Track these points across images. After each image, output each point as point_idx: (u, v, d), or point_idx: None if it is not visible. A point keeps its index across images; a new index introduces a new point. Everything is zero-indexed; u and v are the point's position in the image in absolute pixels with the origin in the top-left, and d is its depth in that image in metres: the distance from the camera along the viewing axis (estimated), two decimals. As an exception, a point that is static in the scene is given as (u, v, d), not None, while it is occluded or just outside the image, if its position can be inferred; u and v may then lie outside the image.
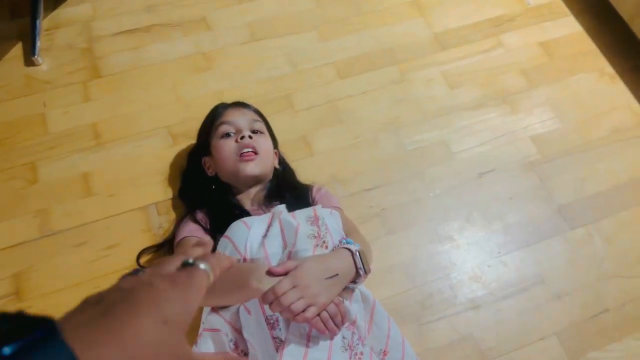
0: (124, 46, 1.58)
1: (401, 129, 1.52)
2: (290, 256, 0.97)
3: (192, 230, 1.14)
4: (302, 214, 1.06)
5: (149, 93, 1.51)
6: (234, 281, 0.93)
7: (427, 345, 1.24)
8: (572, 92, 1.62)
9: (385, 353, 1.03)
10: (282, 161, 1.35)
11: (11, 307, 1.21)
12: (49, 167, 1.38)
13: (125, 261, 1.26)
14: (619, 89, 1.64)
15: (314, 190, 1.26)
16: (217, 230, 1.12)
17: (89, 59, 1.55)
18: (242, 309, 0.95)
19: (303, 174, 1.39)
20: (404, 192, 1.42)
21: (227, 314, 0.97)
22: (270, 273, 0.91)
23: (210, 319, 0.99)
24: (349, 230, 1.15)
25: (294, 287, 0.89)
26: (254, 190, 1.21)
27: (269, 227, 1.04)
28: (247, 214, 1.15)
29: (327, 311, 0.92)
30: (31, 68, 1.53)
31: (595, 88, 1.63)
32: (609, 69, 1.67)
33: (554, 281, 1.33)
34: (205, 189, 1.26)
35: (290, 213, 1.07)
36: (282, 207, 1.12)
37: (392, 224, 1.37)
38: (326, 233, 1.01)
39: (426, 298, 1.29)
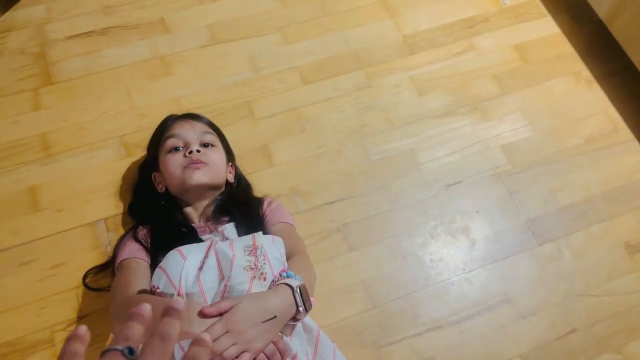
0: (78, 51, 1.51)
1: (367, 137, 1.46)
2: (225, 290, 0.91)
3: (133, 251, 1.09)
4: (240, 242, 1.00)
5: (103, 101, 1.44)
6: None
7: (386, 368, 1.19)
8: (546, 98, 1.55)
9: None
10: (237, 175, 1.29)
11: (-50, 331, 1.16)
12: (-5, 181, 1.32)
13: (71, 281, 1.21)
14: (596, 94, 1.57)
15: (265, 204, 1.21)
16: (159, 249, 1.06)
17: (41, 65, 1.48)
18: (176, 346, 0.89)
19: (262, 186, 1.33)
20: (367, 206, 1.37)
21: None
22: (203, 315, 0.86)
23: None
24: (295, 251, 1.09)
25: (227, 332, 0.84)
26: (202, 205, 1.16)
27: (205, 258, 0.97)
28: (192, 230, 1.10)
29: (263, 352, 0.86)
30: (-21, 75, 1.46)
31: (571, 93, 1.57)
32: (585, 72, 1.60)
33: (520, 300, 1.28)
34: (155, 204, 1.20)
35: (228, 241, 1.01)
36: (225, 232, 1.07)
37: (354, 240, 1.32)
38: (264, 264, 0.96)
39: (387, 318, 1.24)
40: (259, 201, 1.23)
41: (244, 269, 0.94)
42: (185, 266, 0.95)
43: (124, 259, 1.07)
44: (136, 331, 0.42)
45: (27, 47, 1.51)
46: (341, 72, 1.54)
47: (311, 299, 0.94)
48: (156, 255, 1.06)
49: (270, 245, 1.01)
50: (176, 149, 1.17)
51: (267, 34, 1.59)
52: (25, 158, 1.35)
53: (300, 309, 0.91)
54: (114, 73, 1.49)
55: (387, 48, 1.59)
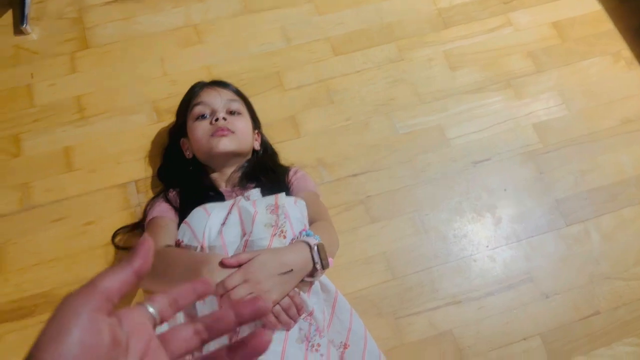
0: (114, 16, 1.54)
1: (395, 111, 1.45)
2: (246, 245, 0.94)
3: (163, 211, 1.12)
4: (262, 202, 1.02)
5: (137, 67, 1.47)
6: (187, 270, 0.91)
7: (402, 339, 1.20)
8: (582, 77, 1.51)
9: (345, 346, 1.00)
10: (264, 143, 1.31)
11: (-13, 280, 1.22)
12: (33, 141, 1.37)
13: (101, 239, 1.25)
14: (636, 75, 1.52)
15: (291, 172, 1.22)
16: (186, 210, 1.09)
17: (78, 30, 1.52)
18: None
19: (288, 156, 1.35)
20: (392, 179, 1.36)
21: None
22: (223, 265, 0.88)
23: None
24: (319, 217, 1.10)
25: (245, 281, 0.86)
26: (229, 171, 1.18)
27: (228, 214, 1.00)
28: (220, 195, 1.12)
29: (280, 304, 0.89)
30: (20, 37, 1.50)
31: (608, 74, 1.52)
32: (626, 52, 1.55)
33: (543, 280, 1.27)
34: (182, 170, 1.23)
35: (251, 201, 1.03)
36: (250, 197, 1.09)
37: (376, 212, 1.32)
38: (285, 222, 0.98)
39: (405, 291, 1.25)
40: (285, 169, 1.24)
41: (265, 226, 0.96)
42: (209, 221, 0.98)
43: (154, 217, 1.11)
44: (165, 300, 0.41)
45: (65, 12, 1.55)
46: (372, 45, 1.53)
47: (329, 259, 0.96)
48: (184, 216, 1.08)
49: (292, 207, 1.03)
50: (203, 116, 1.19)
51: (299, 5, 1.58)
52: (61, 120, 1.39)
53: (317, 266, 0.93)
54: (148, 39, 1.51)
55: (420, 21, 1.57)
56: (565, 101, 1.48)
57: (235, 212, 1.00)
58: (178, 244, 1.01)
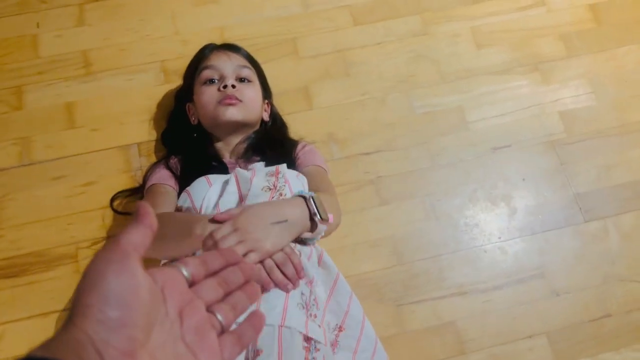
0: (127, -32, 1.47)
1: (414, 89, 1.37)
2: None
3: (163, 178, 1.08)
4: (262, 169, 1.00)
5: (146, 23, 1.41)
6: (180, 230, 0.87)
7: (403, 326, 1.16)
8: (616, 66, 1.42)
9: (340, 329, 0.95)
10: (273, 114, 1.24)
11: (-19, 236, 1.18)
12: (35, 94, 1.32)
13: (100, 201, 1.21)
14: (674, 67, 1.43)
15: (299, 147, 1.16)
16: (187, 179, 1.05)
17: (88, -20, 1.45)
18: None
19: (298, 129, 1.29)
20: (405, 161, 1.30)
21: None
22: (214, 221, 0.84)
23: None
24: (323, 190, 1.05)
25: (234, 230, 0.82)
26: (234, 141, 1.13)
27: (225, 184, 0.97)
28: (223, 165, 1.07)
29: (274, 260, 0.84)
30: (27, -16, 1.44)
31: (644, 63, 1.43)
32: (666, 42, 1.45)
33: (555, 276, 1.21)
34: (187, 136, 1.18)
35: (250, 170, 1.00)
36: (258, 165, 1.04)
37: (386, 194, 1.26)
38: (284, 186, 0.95)
39: (411, 277, 1.20)
40: (294, 143, 1.19)
41: (262, 189, 0.93)
42: (209, 192, 0.95)
43: (153, 184, 1.07)
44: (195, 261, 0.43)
45: (76, -40, 1.47)
46: (396, 16, 1.45)
47: (329, 215, 0.92)
48: (184, 185, 1.04)
49: (293, 177, 1.00)
50: (211, 81, 1.13)
51: (322, -32, 1.50)
52: (65, 74, 1.34)
53: (316, 218, 0.89)
54: (160, -5, 1.44)
55: (449, -7, 1.48)
56: (595, 90, 1.39)
57: (232, 180, 0.97)
58: (178, 210, 1.00)
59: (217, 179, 0.99)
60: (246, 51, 1.22)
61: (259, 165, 1.06)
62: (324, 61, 1.39)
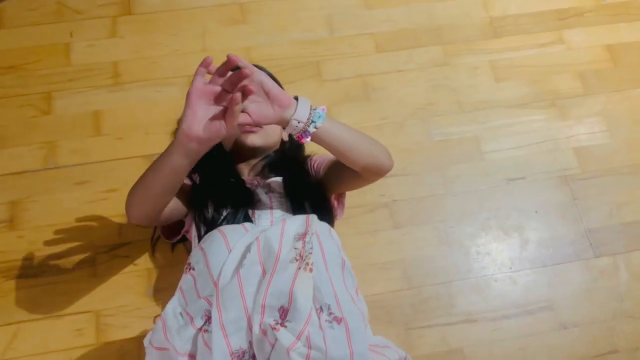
0: (160, -15, 1.52)
1: (433, 117, 1.41)
2: (267, 293, 0.83)
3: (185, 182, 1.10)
4: (292, 226, 0.92)
5: (177, 39, 1.45)
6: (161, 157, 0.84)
7: (411, 351, 1.16)
8: (631, 106, 1.45)
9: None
10: (292, 136, 1.27)
11: (3, 233, 1.21)
12: (64, 100, 1.36)
13: (120, 208, 1.22)
14: (688, 111, 1.46)
15: (310, 161, 1.17)
16: (204, 194, 1.06)
17: (123, -7, 1.50)
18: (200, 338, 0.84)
19: (317, 148, 1.28)
20: (420, 186, 1.33)
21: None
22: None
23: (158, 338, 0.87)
24: None
25: None
26: (253, 161, 1.15)
27: (247, 251, 0.89)
28: (241, 182, 1.09)
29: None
30: (64, -5, 1.49)
31: (659, 105, 1.46)
32: (681, 86, 1.48)
33: (563, 310, 1.22)
34: (207, 152, 1.20)
35: (279, 225, 0.92)
36: (271, 184, 1.06)
37: (400, 218, 1.29)
38: (310, 254, 0.86)
39: (421, 302, 1.21)
40: (306, 159, 1.20)
41: (290, 261, 0.85)
42: (228, 259, 0.87)
43: None
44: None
45: (112, -25, 1.53)
46: (418, 45, 1.49)
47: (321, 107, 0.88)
48: (199, 198, 1.05)
49: (326, 236, 0.92)
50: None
51: (349, -5, 1.55)
52: (95, 83, 1.38)
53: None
54: (192, 12, 1.49)
55: (470, 27, 1.52)
56: (610, 128, 1.42)
57: (254, 248, 0.88)
58: (187, 268, 0.93)
59: (237, 242, 0.90)
60: (270, 72, 1.25)
61: (277, 181, 1.08)
62: (345, 85, 1.42)
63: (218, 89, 0.76)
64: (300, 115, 0.85)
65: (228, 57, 0.76)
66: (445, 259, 1.26)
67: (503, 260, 1.27)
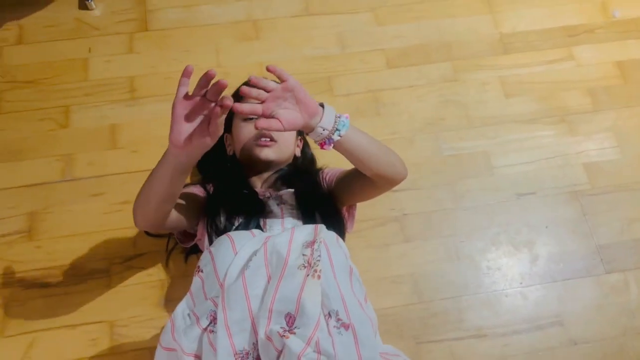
0: (176, 2, 1.56)
1: (442, 132, 1.42)
2: (275, 298, 0.84)
3: (190, 187, 1.12)
4: (300, 235, 0.94)
5: (191, 55, 1.49)
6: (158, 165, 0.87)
7: (421, 365, 1.17)
8: (641, 122, 1.46)
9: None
10: (304, 150, 1.29)
11: (21, 244, 1.24)
12: (82, 114, 1.39)
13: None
14: (699, 127, 1.46)
15: (321, 174, 1.19)
16: (217, 204, 1.09)
17: (140, 11, 1.54)
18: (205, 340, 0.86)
19: (328, 161, 1.31)
20: (430, 200, 1.34)
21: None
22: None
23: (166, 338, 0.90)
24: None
25: None
26: (266, 174, 1.17)
27: (253, 255, 0.91)
28: (253, 194, 1.12)
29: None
30: (83, 12, 1.53)
31: (670, 122, 1.46)
32: (691, 102, 1.49)
33: (574, 325, 1.22)
34: (221, 164, 1.23)
35: (287, 232, 0.94)
36: (283, 196, 1.08)
37: (410, 232, 1.30)
38: (318, 261, 0.87)
39: (431, 316, 1.22)
40: (317, 172, 1.22)
41: (298, 267, 0.87)
42: (234, 261, 0.90)
43: (186, 192, 1.10)
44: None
45: (130, -8, 1.57)
46: (428, 61, 1.51)
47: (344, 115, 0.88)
48: (212, 207, 1.08)
49: (334, 245, 0.94)
50: (250, 117, 1.18)
51: (360, 12, 1.57)
52: (111, 97, 1.41)
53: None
54: (206, 29, 1.53)
55: (480, 43, 1.54)
56: (620, 144, 1.43)
57: (261, 252, 0.91)
58: (196, 270, 0.95)
59: (243, 245, 0.93)
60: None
61: (289, 193, 1.10)
62: (356, 100, 1.44)
63: (200, 99, 0.78)
64: (325, 123, 0.86)
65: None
66: (456, 273, 1.27)
67: (513, 275, 1.27)
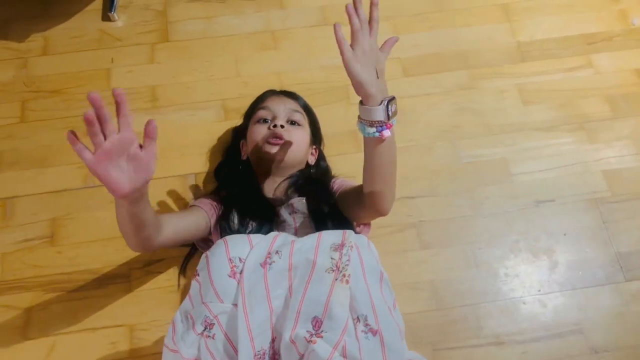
0: (196, 14, 1.59)
1: (460, 139, 1.42)
2: (302, 302, 0.85)
3: (204, 203, 1.14)
4: (328, 238, 0.93)
5: (211, 65, 1.51)
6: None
7: (438, 372, 1.16)
8: (662, 130, 1.44)
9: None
10: (319, 160, 1.30)
11: (43, 249, 1.26)
12: (104, 122, 1.42)
13: (155, 226, 1.28)
14: None
15: (332, 183, 1.20)
16: (228, 209, 1.12)
17: (161, 22, 1.58)
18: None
19: (345, 169, 1.34)
20: (448, 207, 1.34)
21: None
22: None
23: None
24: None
25: None
26: (278, 179, 1.19)
27: (274, 253, 0.91)
28: (264, 200, 1.13)
29: None
30: (106, 23, 1.57)
31: (691, 129, 1.45)
32: None
33: (594, 334, 1.21)
34: (235, 169, 1.25)
35: (314, 237, 0.94)
36: (294, 204, 1.10)
37: (428, 239, 1.30)
38: (347, 265, 0.87)
39: (449, 323, 1.21)
40: (330, 180, 1.23)
41: (326, 271, 0.87)
42: (252, 254, 0.91)
43: (193, 205, 1.14)
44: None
45: (151, 4, 1.61)
46: (444, 70, 1.52)
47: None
48: (223, 216, 1.11)
49: (365, 249, 0.94)
50: (264, 120, 1.20)
51: (377, 22, 1.59)
52: (134, 106, 1.44)
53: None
54: (226, 40, 1.55)
55: (497, 52, 1.55)
56: (640, 152, 1.42)
57: (285, 256, 0.91)
58: (196, 272, 0.95)
59: (259, 242, 0.94)
60: (304, 100, 1.30)
61: (300, 201, 1.10)
62: (374, 108, 1.45)
63: (109, 145, 0.75)
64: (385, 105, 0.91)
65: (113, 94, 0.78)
66: (474, 280, 1.26)
67: (532, 282, 1.26)
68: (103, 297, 1.22)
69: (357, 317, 0.84)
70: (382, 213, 1.06)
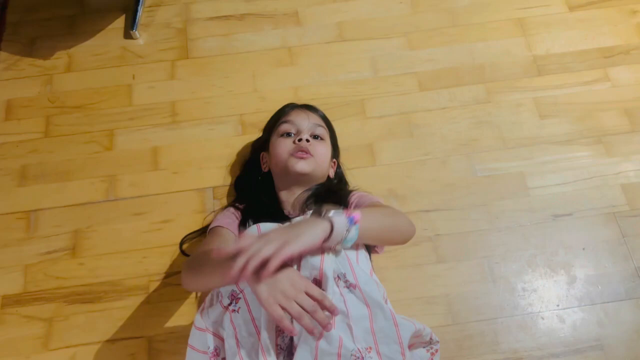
0: (216, 31, 1.63)
1: (476, 153, 1.42)
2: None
3: (228, 223, 1.15)
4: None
5: (229, 80, 1.54)
6: (214, 267, 0.89)
7: (455, 387, 1.16)
8: (682, 143, 1.43)
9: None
10: (338, 173, 1.32)
11: (65, 261, 1.29)
12: (125, 137, 1.45)
13: (174, 237, 1.30)
14: None
15: (351, 197, 1.20)
16: (246, 220, 1.15)
17: (181, 40, 1.62)
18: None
19: (360, 183, 1.35)
20: (464, 221, 1.34)
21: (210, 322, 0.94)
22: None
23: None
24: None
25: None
26: (297, 191, 1.20)
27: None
28: (281, 213, 1.15)
29: (302, 306, 0.80)
30: (128, 41, 1.62)
31: None
32: None
33: (614, 350, 1.19)
34: (255, 182, 1.27)
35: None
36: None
37: (444, 252, 1.30)
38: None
39: (465, 338, 1.21)
40: (348, 193, 1.24)
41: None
42: None
43: (218, 226, 1.14)
44: None
45: (172, 22, 1.65)
46: (460, 84, 1.52)
47: (354, 213, 0.89)
48: (244, 219, 1.15)
49: (363, 258, 1.01)
50: (288, 134, 1.22)
51: (392, 37, 1.61)
52: (154, 121, 1.48)
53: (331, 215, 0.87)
54: (244, 56, 1.59)
55: (513, 66, 1.55)
56: (660, 165, 1.40)
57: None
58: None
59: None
60: (323, 113, 1.32)
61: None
62: (389, 122, 1.47)
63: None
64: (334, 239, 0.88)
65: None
66: (490, 295, 1.25)
67: (550, 297, 1.25)
68: (123, 309, 1.24)
69: (338, 276, 0.91)
70: (407, 241, 1.11)
